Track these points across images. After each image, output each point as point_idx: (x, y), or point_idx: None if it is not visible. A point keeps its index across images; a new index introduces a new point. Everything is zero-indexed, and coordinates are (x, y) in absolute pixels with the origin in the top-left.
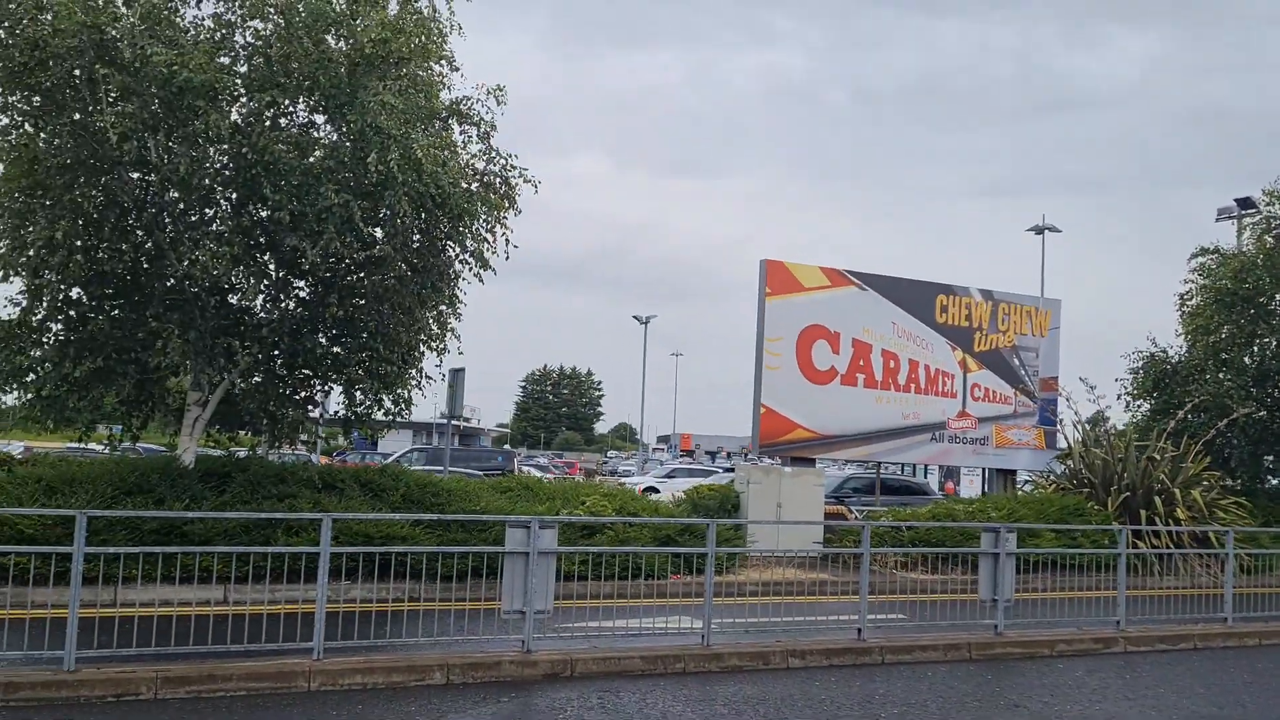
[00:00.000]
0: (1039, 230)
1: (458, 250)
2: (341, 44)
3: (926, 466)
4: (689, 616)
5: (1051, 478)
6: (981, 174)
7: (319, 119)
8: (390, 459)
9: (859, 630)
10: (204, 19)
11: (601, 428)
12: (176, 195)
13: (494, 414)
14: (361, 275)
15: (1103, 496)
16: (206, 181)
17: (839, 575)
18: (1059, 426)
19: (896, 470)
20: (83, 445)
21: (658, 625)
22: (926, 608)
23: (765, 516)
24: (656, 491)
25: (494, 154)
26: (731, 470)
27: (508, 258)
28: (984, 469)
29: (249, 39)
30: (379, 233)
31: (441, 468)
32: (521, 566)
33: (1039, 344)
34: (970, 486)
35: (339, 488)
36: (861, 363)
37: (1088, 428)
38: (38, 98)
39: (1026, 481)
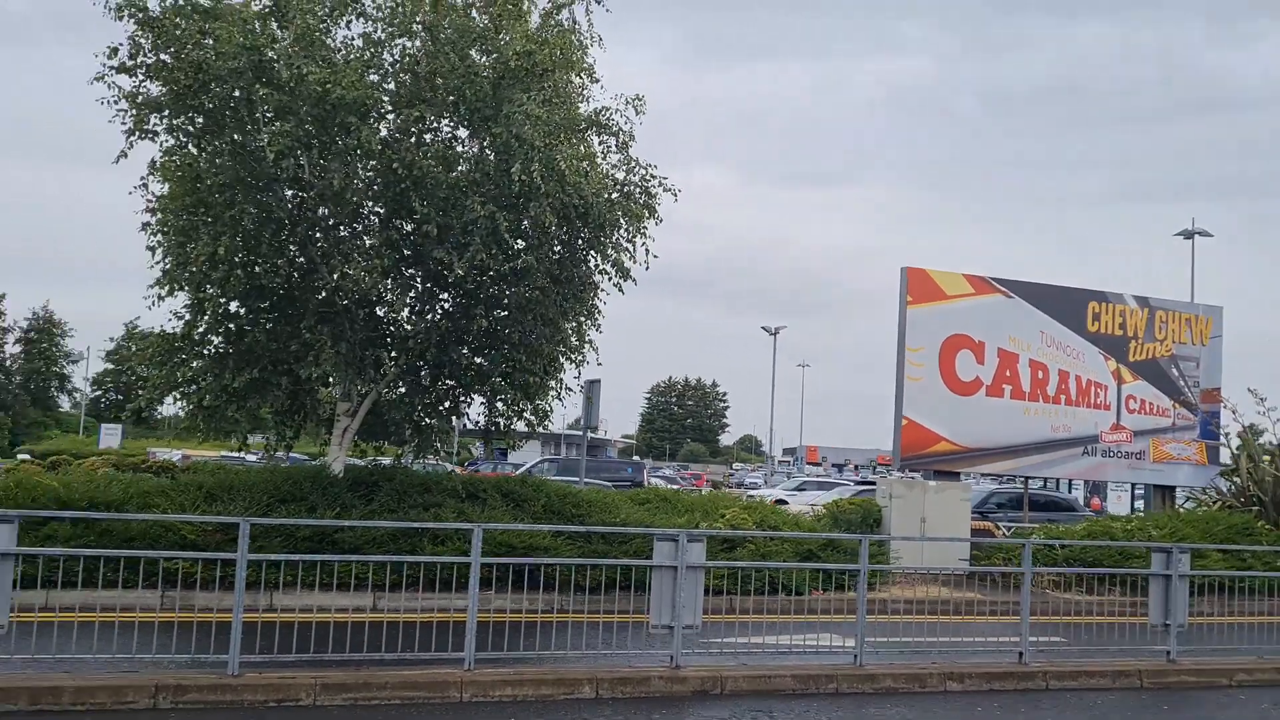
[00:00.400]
0: (1188, 235)
1: (598, 260)
2: (484, 58)
3: (1071, 481)
4: (834, 634)
5: (1215, 495)
6: (1122, 179)
7: (462, 133)
8: (521, 470)
9: (1020, 653)
10: (354, 38)
11: (726, 439)
12: (327, 211)
13: (619, 425)
14: (503, 287)
15: (1274, 515)
16: (356, 197)
17: (989, 594)
18: (1223, 440)
19: (1039, 485)
20: (241, 454)
21: (808, 643)
22: (1085, 630)
23: (909, 531)
24: (785, 504)
25: (634, 164)
26: (864, 483)
27: (648, 267)
28: (1132, 485)
29: (396, 56)
30: (520, 244)
31: (576, 478)
32: (670, 580)
33: (1199, 353)
34: (1118, 503)
35: (481, 498)
36: (1008, 373)
37: (1253, 442)
38: (200, 119)
39: (1187, 499)
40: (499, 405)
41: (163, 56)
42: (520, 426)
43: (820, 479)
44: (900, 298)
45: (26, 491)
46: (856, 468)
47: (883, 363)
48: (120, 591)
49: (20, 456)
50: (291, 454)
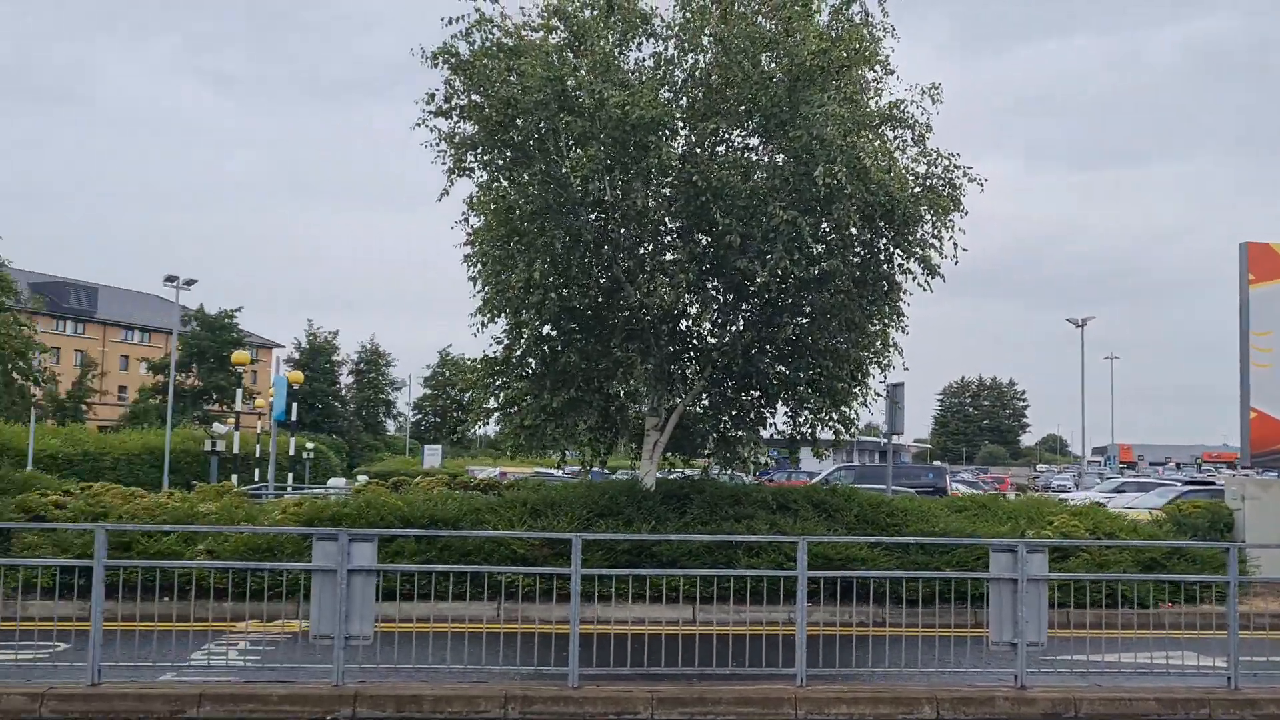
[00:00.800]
0: None
1: (902, 259)
2: (775, 63)
3: None
4: (1194, 653)
5: None
6: None
7: (754, 141)
8: (816, 478)
9: None
10: (644, 59)
11: (1027, 440)
12: (626, 231)
13: (910, 429)
14: (805, 293)
15: None
16: (660, 213)
17: None
18: None
19: None
20: (560, 471)
21: (1170, 662)
22: None
23: (1269, 536)
24: (1102, 507)
25: (935, 156)
26: (1194, 483)
27: (956, 262)
28: None
29: (687, 71)
30: (820, 248)
31: (874, 486)
32: (1009, 594)
33: None
34: None
35: (792, 508)
36: None
37: None
38: (509, 152)
39: None
40: (804, 414)
41: (474, 97)
42: (826, 434)
43: (1140, 479)
44: (1240, 277)
45: (376, 510)
46: (1179, 465)
47: (1208, 350)
48: (460, 603)
49: (360, 478)
50: (597, 469)
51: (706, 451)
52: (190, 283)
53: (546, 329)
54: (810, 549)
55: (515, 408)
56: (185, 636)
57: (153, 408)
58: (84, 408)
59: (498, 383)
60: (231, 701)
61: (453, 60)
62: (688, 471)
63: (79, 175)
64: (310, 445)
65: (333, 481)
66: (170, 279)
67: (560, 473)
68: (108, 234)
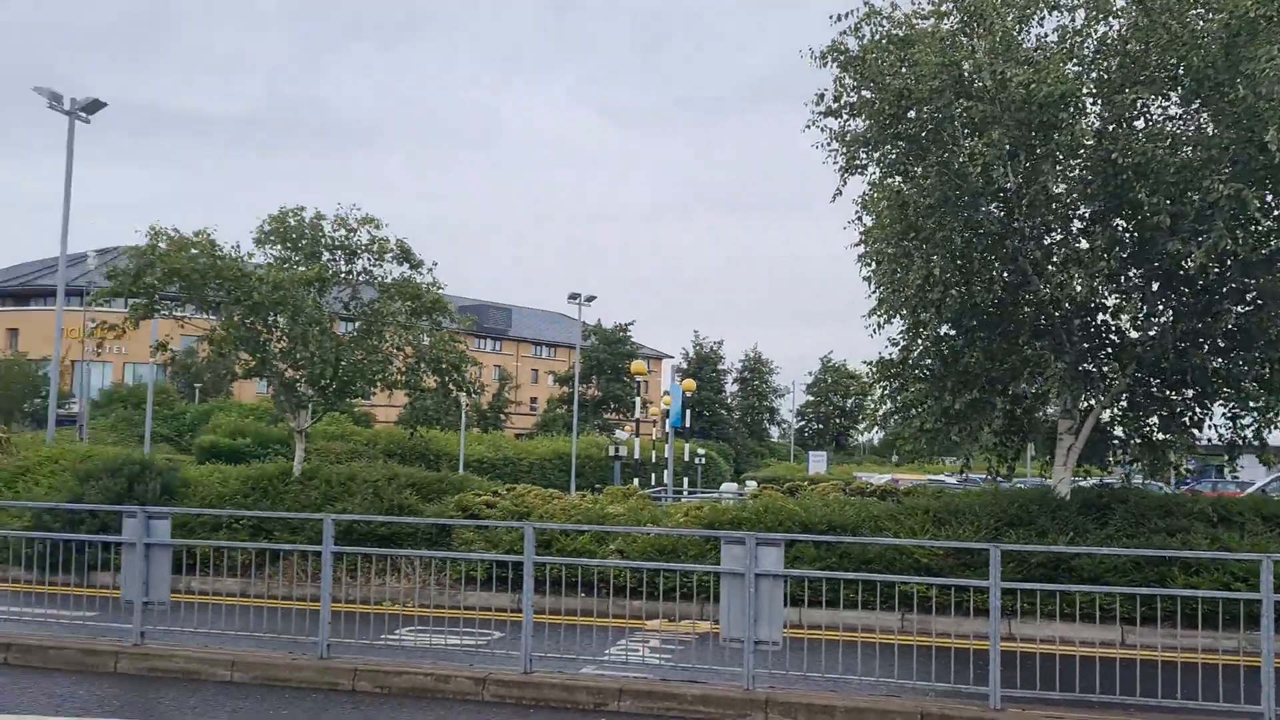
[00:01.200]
0: None
1: None
2: (1207, 21)
3: None
4: None
5: None
6: None
7: (1174, 110)
8: (1250, 489)
9: None
10: (1047, 34)
11: None
12: (1031, 220)
13: None
14: (1249, 277)
15: None
16: (1074, 196)
17: None
18: None
19: None
20: (955, 478)
21: None
22: None
23: None
24: None
25: None
26: None
27: None
28: None
29: (1097, 41)
30: (1267, 224)
31: None
32: None
33: None
34: None
35: (1236, 521)
36: None
37: None
38: (903, 145)
39: None
40: (1249, 415)
41: (864, 92)
42: (1277, 438)
43: None
44: None
45: (774, 515)
46: None
47: None
48: (864, 612)
49: (749, 484)
50: (977, 475)
51: (1127, 458)
52: (590, 299)
53: (945, 328)
54: (1251, 568)
55: (913, 411)
56: (602, 632)
57: (559, 416)
58: (503, 417)
59: (893, 385)
60: (649, 698)
61: (842, 57)
62: (1105, 479)
63: (491, 207)
64: (701, 451)
65: (725, 486)
66: (573, 296)
67: (955, 480)
68: (517, 258)
